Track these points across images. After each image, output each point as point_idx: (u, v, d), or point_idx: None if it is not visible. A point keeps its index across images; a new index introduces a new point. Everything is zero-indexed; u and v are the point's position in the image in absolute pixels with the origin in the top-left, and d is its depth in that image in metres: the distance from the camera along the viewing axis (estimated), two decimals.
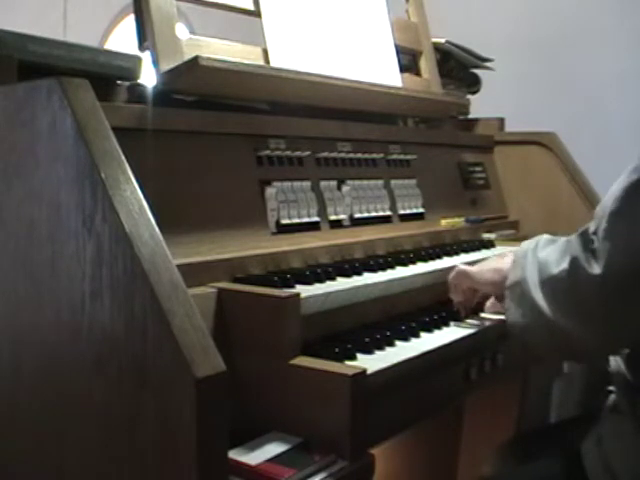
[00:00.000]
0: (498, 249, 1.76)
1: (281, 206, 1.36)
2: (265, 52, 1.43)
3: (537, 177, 2.03)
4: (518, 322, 1.11)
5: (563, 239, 1.06)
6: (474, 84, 2.20)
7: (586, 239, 0.98)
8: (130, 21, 1.29)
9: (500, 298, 1.22)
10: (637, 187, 0.94)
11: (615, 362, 1.13)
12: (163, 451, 0.83)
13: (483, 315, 1.37)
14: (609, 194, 0.99)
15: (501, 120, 2.16)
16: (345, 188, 1.52)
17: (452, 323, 1.33)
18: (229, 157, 1.30)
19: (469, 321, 1.35)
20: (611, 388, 1.15)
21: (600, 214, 0.98)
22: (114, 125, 0.95)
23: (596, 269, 0.95)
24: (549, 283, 1.04)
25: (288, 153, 1.41)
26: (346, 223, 1.51)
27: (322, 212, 1.45)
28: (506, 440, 1.55)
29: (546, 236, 1.13)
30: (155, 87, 1.23)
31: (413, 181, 1.73)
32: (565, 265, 1.00)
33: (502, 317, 1.26)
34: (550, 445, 1.28)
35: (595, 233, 0.97)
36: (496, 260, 1.29)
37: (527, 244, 1.14)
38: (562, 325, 1.03)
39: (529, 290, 1.06)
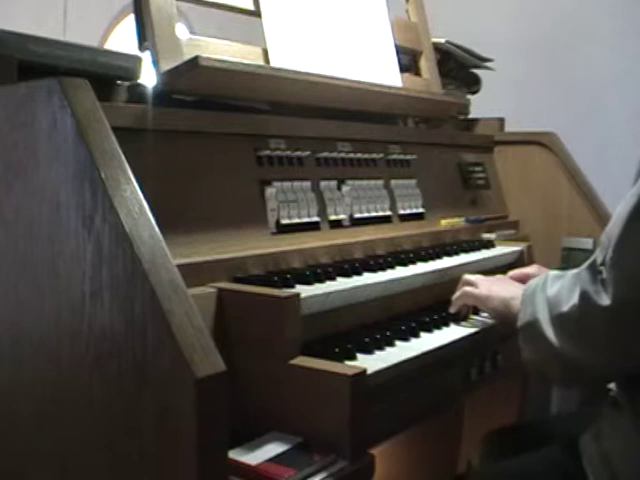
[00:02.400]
0: (498, 249, 1.76)
1: (281, 206, 1.36)
2: (265, 52, 1.43)
3: (537, 177, 2.03)
4: (533, 358, 1.14)
5: (570, 273, 1.07)
6: (474, 84, 2.20)
7: (594, 271, 0.99)
8: (130, 21, 1.29)
9: (504, 326, 1.25)
10: (637, 214, 0.94)
11: None
12: (163, 451, 0.83)
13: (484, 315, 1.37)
14: (613, 220, 0.99)
15: (501, 120, 2.16)
16: (345, 188, 1.52)
17: (452, 323, 1.33)
18: (229, 157, 1.30)
19: (470, 320, 1.35)
20: (611, 384, 1.15)
21: (606, 243, 0.99)
22: (114, 125, 0.95)
23: (605, 300, 0.96)
24: (560, 320, 1.05)
25: (288, 153, 1.41)
26: (346, 223, 1.51)
27: (322, 212, 1.45)
28: (497, 429, 1.55)
29: (553, 272, 1.14)
30: (155, 87, 1.22)
31: (413, 181, 1.73)
32: (575, 300, 1.01)
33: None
34: (546, 436, 1.28)
35: (603, 264, 0.98)
36: (504, 287, 1.30)
37: (535, 282, 1.16)
38: (575, 356, 1.05)
39: (541, 329, 1.08)
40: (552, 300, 1.08)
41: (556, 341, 1.06)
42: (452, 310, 1.36)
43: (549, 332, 1.07)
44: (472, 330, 1.30)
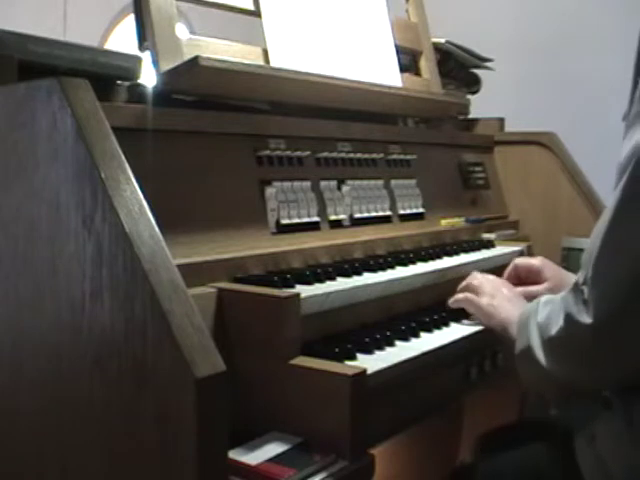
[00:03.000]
0: (498, 249, 1.76)
1: (281, 206, 1.36)
2: (265, 52, 1.43)
3: (537, 177, 2.03)
4: (531, 382, 1.17)
5: (559, 297, 1.08)
6: (474, 84, 2.20)
7: (577, 292, 1.01)
8: (130, 21, 1.29)
9: (501, 342, 1.27)
10: (613, 232, 0.96)
11: None
12: (163, 451, 0.83)
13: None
14: (592, 238, 1.01)
15: (501, 120, 2.16)
16: (345, 188, 1.52)
17: (452, 323, 1.33)
18: (229, 157, 1.30)
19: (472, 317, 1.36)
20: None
21: (586, 261, 1.01)
22: (114, 125, 0.95)
23: (587, 319, 0.98)
24: (549, 344, 1.08)
25: (288, 153, 1.41)
26: (346, 223, 1.51)
27: (322, 212, 1.45)
28: (492, 429, 1.55)
29: (545, 297, 1.15)
30: (155, 87, 1.22)
31: (413, 181, 1.73)
32: (561, 323, 1.04)
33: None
34: (542, 436, 1.28)
35: (584, 283, 0.99)
36: (504, 304, 1.29)
37: (529, 307, 1.17)
38: (567, 378, 1.07)
39: (534, 355, 1.10)
40: (542, 325, 1.09)
41: (548, 365, 1.08)
42: (450, 303, 1.37)
43: (541, 357, 1.09)
44: (472, 330, 1.30)
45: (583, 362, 1.04)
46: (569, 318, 1.01)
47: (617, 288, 0.95)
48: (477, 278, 1.39)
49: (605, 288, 0.96)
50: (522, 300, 1.30)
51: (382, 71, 1.70)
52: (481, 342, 1.31)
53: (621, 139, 1.09)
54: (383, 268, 1.37)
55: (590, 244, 1.01)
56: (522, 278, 1.46)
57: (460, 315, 1.36)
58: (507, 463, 1.25)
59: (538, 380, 1.14)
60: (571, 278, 1.16)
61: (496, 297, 1.32)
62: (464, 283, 1.39)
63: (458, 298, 1.37)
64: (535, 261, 1.46)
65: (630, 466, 1.04)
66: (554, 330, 1.05)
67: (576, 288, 1.01)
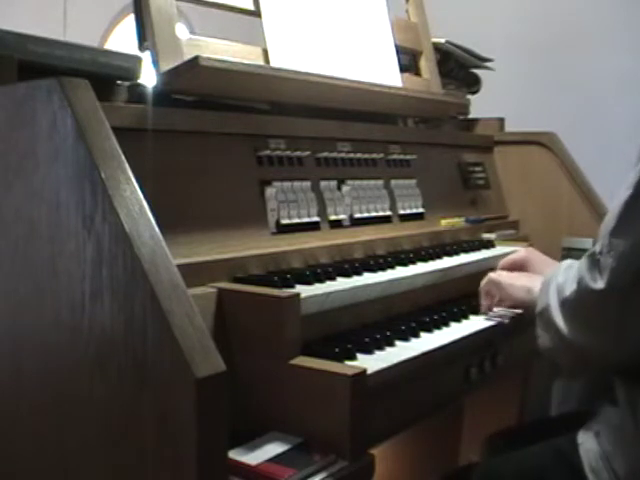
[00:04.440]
0: (498, 249, 1.76)
1: (281, 206, 1.36)
2: (265, 52, 1.43)
3: (537, 177, 2.03)
4: (547, 346, 1.18)
5: (578, 263, 1.12)
6: (474, 84, 2.20)
7: (592, 259, 1.05)
8: (130, 21, 1.29)
9: (528, 314, 1.29)
10: (632, 204, 1.01)
11: None
12: (163, 451, 0.83)
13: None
14: (610, 210, 1.06)
15: (501, 120, 2.16)
16: (345, 188, 1.52)
17: (452, 323, 1.33)
18: (229, 157, 1.30)
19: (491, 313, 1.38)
20: (609, 382, 1.15)
21: (603, 233, 1.05)
22: (114, 125, 0.95)
23: (600, 284, 1.02)
24: (564, 304, 1.11)
25: (288, 153, 1.41)
26: (346, 223, 1.51)
27: (322, 212, 1.45)
28: (500, 430, 1.55)
29: (567, 262, 1.19)
30: (155, 87, 1.22)
31: (413, 181, 1.73)
32: (574, 286, 1.08)
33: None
34: (545, 436, 1.28)
35: (600, 252, 1.04)
36: (526, 277, 1.36)
37: (553, 270, 1.21)
38: (580, 342, 1.09)
39: (552, 315, 1.13)
40: (560, 287, 1.13)
41: (563, 326, 1.10)
42: (482, 301, 1.41)
43: (558, 318, 1.12)
44: (472, 330, 1.30)
45: (591, 327, 1.07)
46: (581, 282, 1.06)
47: (633, 259, 0.99)
48: (494, 273, 1.43)
49: (621, 257, 1.00)
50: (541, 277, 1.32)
51: (382, 71, 1.70)
52: (481, 342, 1.31)
53: (620, 139, 1.11)
54: (383, 268, 1.37)
55: (608, 215, 1.06)
56: None
57: (460, 315, 1.36)
58: (511, 465, 1.25)
59: (554, 344, 1.15)
60: (558, 266, 1.21)
61: (516, 278, 1.37)
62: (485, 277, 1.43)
63: (483, 282, 1.41)
64: (516, 256, 1.48)
65: (635, 463, 1.05)
66: (568, 292, 1.09)
67: (592, 256, 1.05)
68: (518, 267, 1.45)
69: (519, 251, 1.52)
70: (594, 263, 1.04)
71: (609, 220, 1.04)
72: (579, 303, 1.08)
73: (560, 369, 1.27)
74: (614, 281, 1.00)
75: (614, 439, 1.09)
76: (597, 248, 1.05)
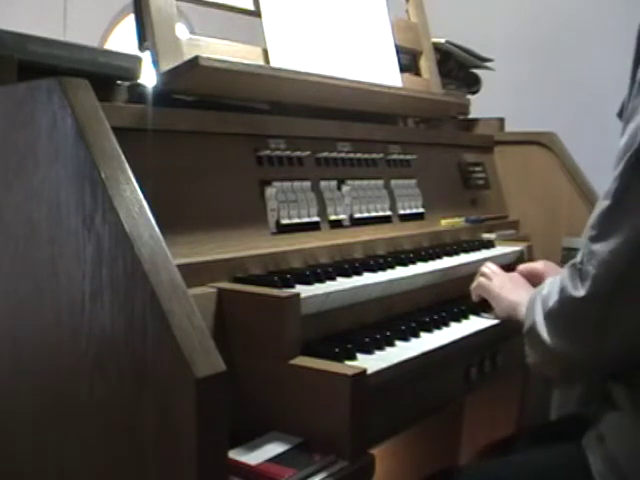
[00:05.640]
0: (498, 249, 1.76)
1: (281, 206, 1.36)
2: (265, 52, 1.43)
3: (537, 177, 2.03)
4: (534, 362, 1.18)
5: (560, 274, 1.13)
6: (474, 84, 2.20)
7: (574, 269, 1.06)
8: (130, 21, 1.29)
9: (513, 325, 1.30)
10: (610, 212, 1.02)
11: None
12: (163, 451, 0.83)
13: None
14: (588, 222, 1.07)
15: (501, 120, 2.16)
16: (345, 188, 1.52)
17: (452, 323, 1.33)
18: (229, 157, 1.30)
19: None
20: (611, 384, 1.15)
21: (583, 242, 1.07)
22: (114, 125, 0.95)
23: (581, 292, 1.04)
24: (548, 316, 1.12)
25: (288, 153, 1.41)
26: (346, 223, 1.51)
27: (322, 212, 1.45)
28: (503, 435, 1.55)
29: (550, 278, 1.19)
30: (155, 87, 1.22)
31: (413, 181, 1.73)
32: (557, 296, 1.09)
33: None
34: (549, 440, 1.28)
35: (582, 262, 1.05)
36: (515, 287, 1.37)
37: (538, 288, 1.22)
38: (563, 351, 1.10)
39: (538, 331, 1.13)
40: (544, 299, 1.14)
41: (547, 339, 1.11)
42: (474, 299, 1.43)
43: (543, 332, 1.12)
44: (472, 330, 1.30)
45: (573, 334, 1.08)
46: (564, 291, 1.07)
47: (611, 266, 1.00)
48: (488, 266, 1.45)
49: (599, 265, 1.01)
50: (531, 287, 1.33)
51: (382, 71, 1.70)
52: (481, 342, 1.31)
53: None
54: (383, 268, 1.37)
55: (587, 227, 1.07)
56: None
57: (460, 315, 1.36)
58: (511, 468, 1.25)
59: (542, 359, 1.15)
60: (544, 281, 1.21)
61: (507, 283, 1.38)
62: (477, 274, 1.45)
63: (473, 285, 1.43)
64: (538, 265, 1.48)
65: None
66: (551, 302, 1.10)
67: (574, 266, 1.07)
68: (538, 277, 1.44)
69: (538, 262, 1.52)
70: (575, 272, 1.05)
71: (588, 230, 1.05)
72: (561, 312, 1.09)
73: (552, 382, 1.28)
74: (595, 288, 1.01)
75: (620, 443, 1.09)
76: (578, 258, 1.06)
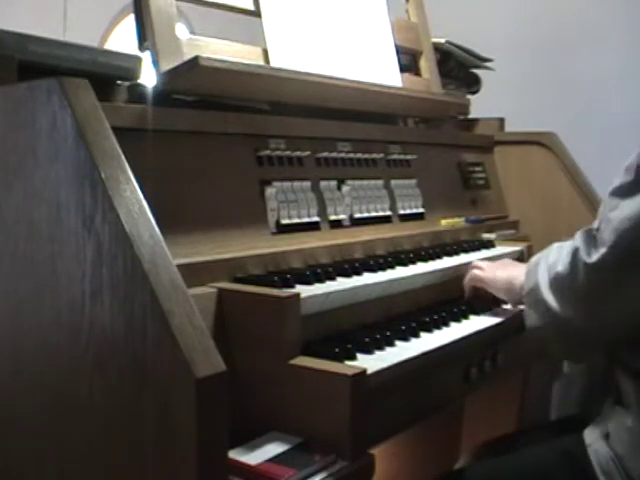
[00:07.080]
0: (498, 249, 1.76)
1: (281, 206, 1.36)
2: (265, 52, 1.43)
3: (537, 177, 2.03)
4: (535, 325, 1.19)
5: (570, 242, 1.14)
6: (474, 84, 2.20)
7: (589, 235, 1.08)
8: (130, 21, 1.29)
9: (513, 304, 1.34)
10: (630, 185, 1.04)
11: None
12: (163, 451, 0.83)
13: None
14: (609, 192, 1.09)
15: (501, 120, 2.16)
16: (345, 188, 1.52)
17: (452, 322, 1.33)
18: (229, 157, 1.30)
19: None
20: (619, 382, 1.15)
21: (602, 211, 1.09)
22: (114, 125, 0.95)
23: (593, 258, 1.05)
24: (555, 280, 1.13)
25: (288, 153, 1.41)
26: (346, 223, 1.51)
27: (322, 212, 1.45)
28: (500, 435, 1.55)
29: (557, 244, 1.21)
30: (155, 87, 1.22)
31: (413, 181, 1.73)
32: (568, 258, 1.10)
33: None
34: (549, 438, 1.28)
35: (598, 229, 1.07)
36: (508, 267, 1.39)
37: (540, 254, 1.24)
38: (565, 315, 1.11)
39: (541, 293, 1.15)
40: (551, 265, 1.15)
41: (552, 303, 1.13)
42: (467, 296, 1.45)
43: (547, 295, 1.14)
44: (472, 330, 1.30)
45: (576, 298, 1.10)
46: (576, 254, 1.08)
47: (627, 237, 1.02)
48: (476, 262, 1.47)
49: (616, 235, 1.03)
50: (524, 266, 1.34)
51: (382, 71, 1.70)
52: (481, 342, 1.31)
53: (620, 139, 1.13)
54: (383, 268, 1.37)
55: (606, 197, 1.10)
56: None
57: (460, 315, 1.36)
58: (511, 465, 1.25)
59: (543, 321, 1.16)
60: (548, 248, 1.23)
61: (499, 268, 1.41)
62: (468, 269, 1.46)
63: (466, 279, 1.45)
64: None
65: None
66: (560, 267, 1.11)
67: (589, 231, 1.09)
68: None
69: None
70: (590, 238, 1.07)
71: (607, 199, 1.08)
72: (570, 275, 1.10)
73: (552, 353, 1.29)
74: (607, 257, 1.03)
75: (627, 441, 1.09)
76: (595, 224, 1.08)
